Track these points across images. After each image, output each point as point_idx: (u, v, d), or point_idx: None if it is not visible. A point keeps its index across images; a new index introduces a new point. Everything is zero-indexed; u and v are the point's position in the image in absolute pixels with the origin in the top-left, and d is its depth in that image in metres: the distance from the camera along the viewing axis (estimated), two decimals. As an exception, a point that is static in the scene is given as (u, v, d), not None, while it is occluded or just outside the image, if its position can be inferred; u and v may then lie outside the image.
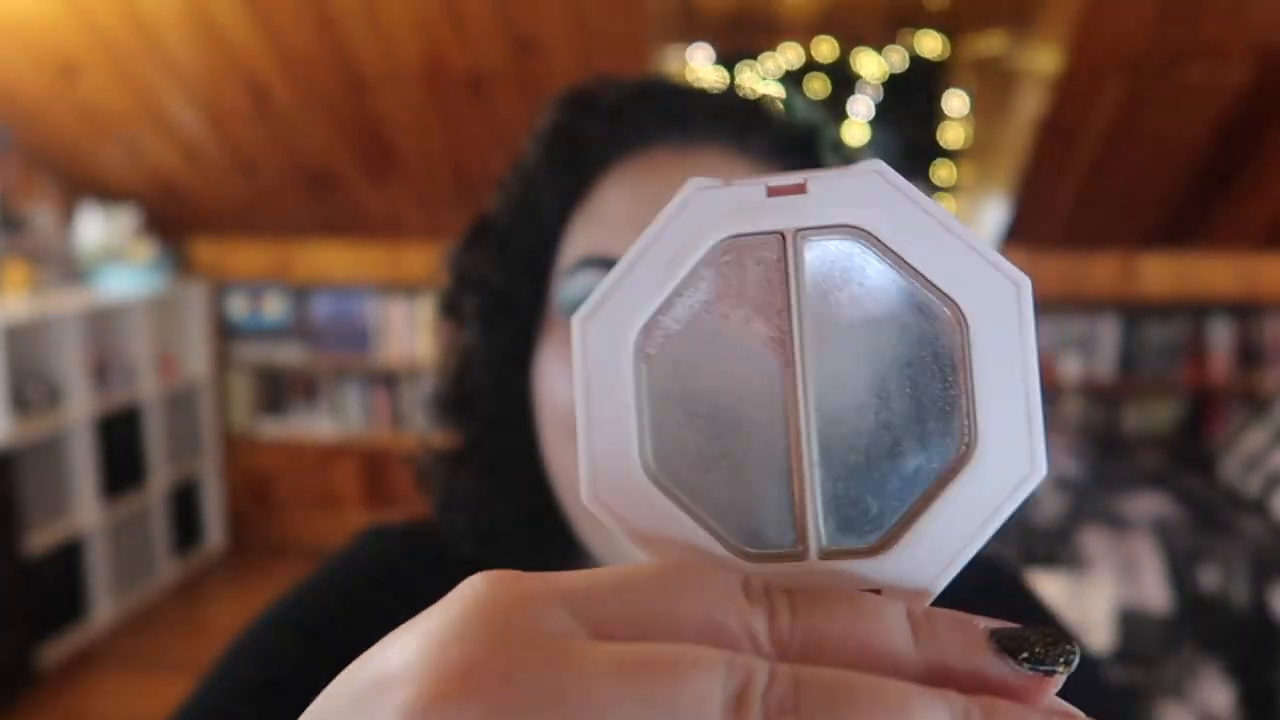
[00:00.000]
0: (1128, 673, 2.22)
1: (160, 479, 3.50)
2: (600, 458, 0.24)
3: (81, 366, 3.12)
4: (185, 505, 3.70)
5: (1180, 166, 3.06)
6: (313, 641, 0.57)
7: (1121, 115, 2.86)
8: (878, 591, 0.23)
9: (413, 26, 2.79)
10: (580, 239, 0.58)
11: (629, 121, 0.59)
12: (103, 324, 3.35)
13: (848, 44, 4.04)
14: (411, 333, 3.75)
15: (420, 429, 0.67)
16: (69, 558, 3.10)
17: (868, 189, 0.24)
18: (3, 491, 2.77)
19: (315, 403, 3.89)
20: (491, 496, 0.62)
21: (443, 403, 0.64)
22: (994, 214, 3.60)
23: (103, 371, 3.29)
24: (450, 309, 0.64)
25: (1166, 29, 2.55)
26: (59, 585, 3.06)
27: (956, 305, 0.23)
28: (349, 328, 3.81)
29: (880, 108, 4.31)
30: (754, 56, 4.09)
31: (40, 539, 2.94)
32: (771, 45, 4.02)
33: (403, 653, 0.20)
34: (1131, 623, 2.23)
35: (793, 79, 4.11)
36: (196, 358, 3.75)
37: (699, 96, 0.62)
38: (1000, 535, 0.24)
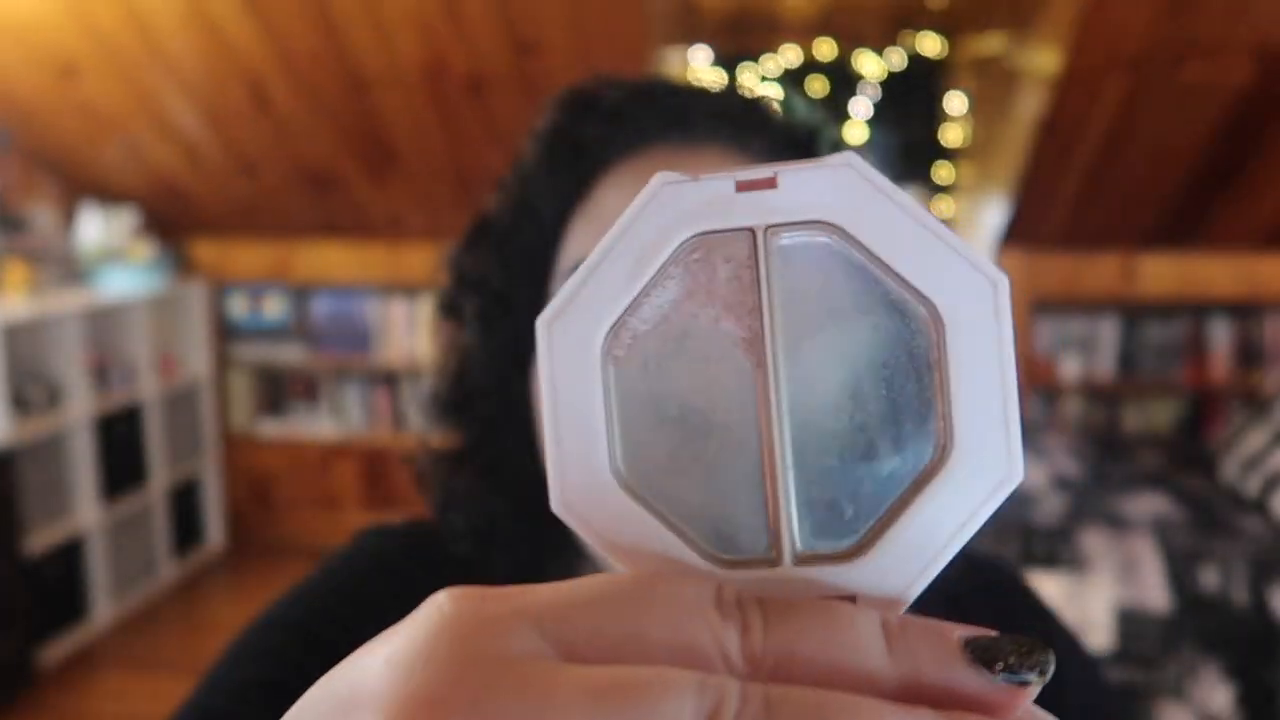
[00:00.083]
0: (1128, 673, 2.22)
1: (160, 479, 3.50)
2: (569, 464, 0.23)
3: (81, 366, 3.12)
4: (185, 505, 3.70)
5: (1180, 166, 3.06)
6: (312, 642, 0.57)
7: (1121, 115, 2.86)
8: (853, 598, 0.23)
9: (413, 28, 2.79)
10: (580, 239, 0.58)
11: (629, 122, 0.59)
12: (103, 324, 3.35)
13: (848, 44, 4.04)
14: (411, 333, 3.76)
15: (420, 429, 0.67)
16: (69, 558, 3.10)
17: (840, 182, 0.23)
18: (3, 491, 2.77)
19: (315, 403, 3.89)
20: (491, 497, 0.62)
21: (442, 403, 0.64)
22: (994, 214, 3.60)
23: (103, 371, 3.29)
24: (450, 309, 0.64)
25: (1166, 29, 2.55)
26: (59, 585, 3.06)
27: (932, 304, 0.23)
28: (349, 328, 3.81)
29: (880, 108, 4.31)
30: (754, 57, 4.09)
31: (40, 539, 2.94)
32: (772, 46, 4.03)
33: (369, 676, 0.20)
34: (1131, 623, 2.23)
35: (793, 79, 4.11)
36: (196, 358, 3.75)
37: (699, 97, 0.62)
38: (981, 537, 0.24)
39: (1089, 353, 3.55)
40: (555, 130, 0.61)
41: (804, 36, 3.94)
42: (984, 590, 0.68)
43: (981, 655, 0.20)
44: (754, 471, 0.23)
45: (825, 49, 4.01)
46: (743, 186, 0.23)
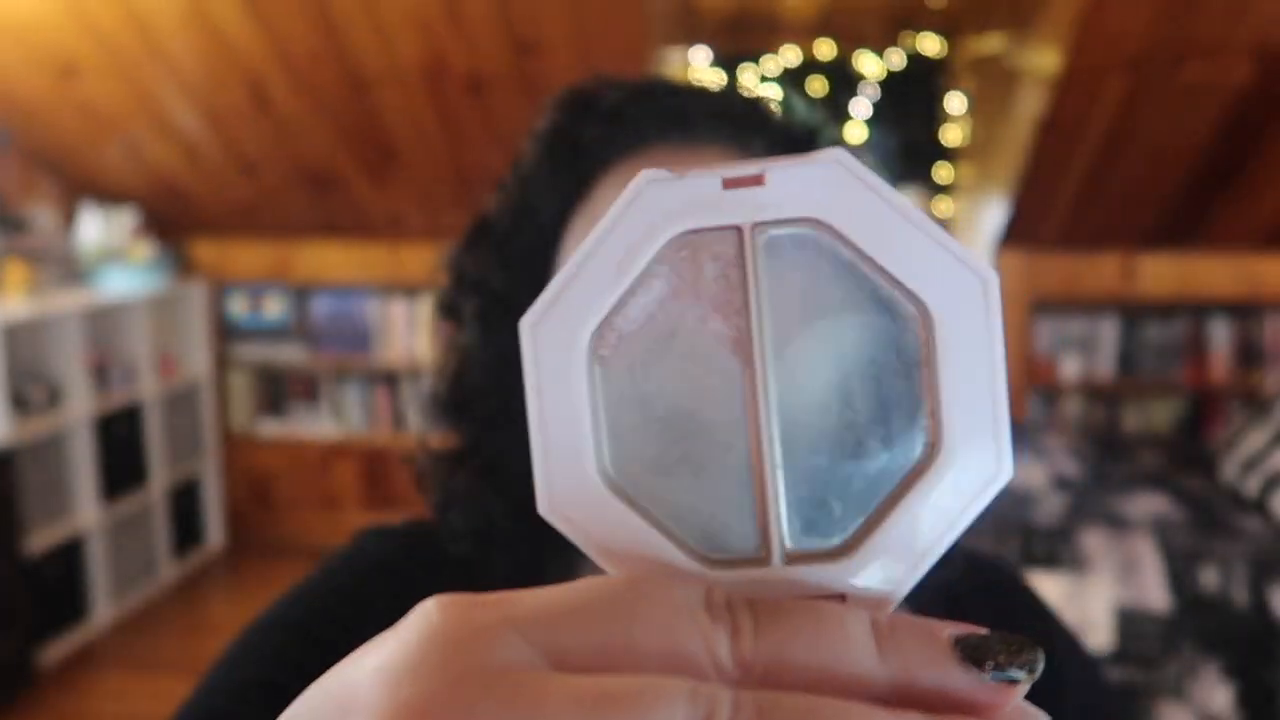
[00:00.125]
0: (1128, 673, 2.22)
1: (160, 479, 3.50)
2: (556, 466, 0.23)
3: (81, 366, 3.12)
4: (185, 505, 3.70)
5: (1180, 166, 3.06)
6: (312, 643, 0.57)
7: (1121, 115, 2.86)
8: (842, 597, 0.22)
9: (413, 27, 2.79)
10: (579, 240, 0.58)
11: (628, 122, 0.59)
12: (103, 324, 3.35)
13: (848, 45, 4.04)
14: (411, 333, 3.76)
15: (419, 430, 0.67)
16: (69, 558, 3.10)
17: (828, 179, 0.23)
18: (3, 491, 2.77)
19: (315, 403, 3.89)
20: (490, 497, 0.62)
21: (441, 403, 0.64)
22: (994, 214, 3.60)
23: (103, 371, 3.29)
24: (449, 310, 0.64)
25: (1166, 29, 2.55)
26: (59, 585, 3.06)
27: (921, 301, 0.23)
28: (349, 328, 3.81)
29: (880, 108, 4.31)
30: (754, 57, 4.09)
31: (40, 539, 2.94)
32: (772, 46, 4.03)
33: (361, 685, 0.20)
34: (1131, 623, 2.23)
35: (793, 80, 4.11)
36: (196, 358, 3.75)
37: (698, 97, 0.62)
38: (977, 536, 0.24)
39: (1089, 353, 3.55)
40: (555, 131, 0.61)
41: (804, 36, 3.94)
42: (984, 590, 0.68)
43: (971, 654, 0.20)
44: (743, 471, 0.23)
45: (825, 49, 4.01)
46: (729, 184, 0.23)
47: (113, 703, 2.88)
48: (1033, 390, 3.60)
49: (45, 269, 3.29)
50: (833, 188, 0.23)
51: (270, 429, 3.92)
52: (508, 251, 0.61)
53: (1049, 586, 2.28)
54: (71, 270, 3.43)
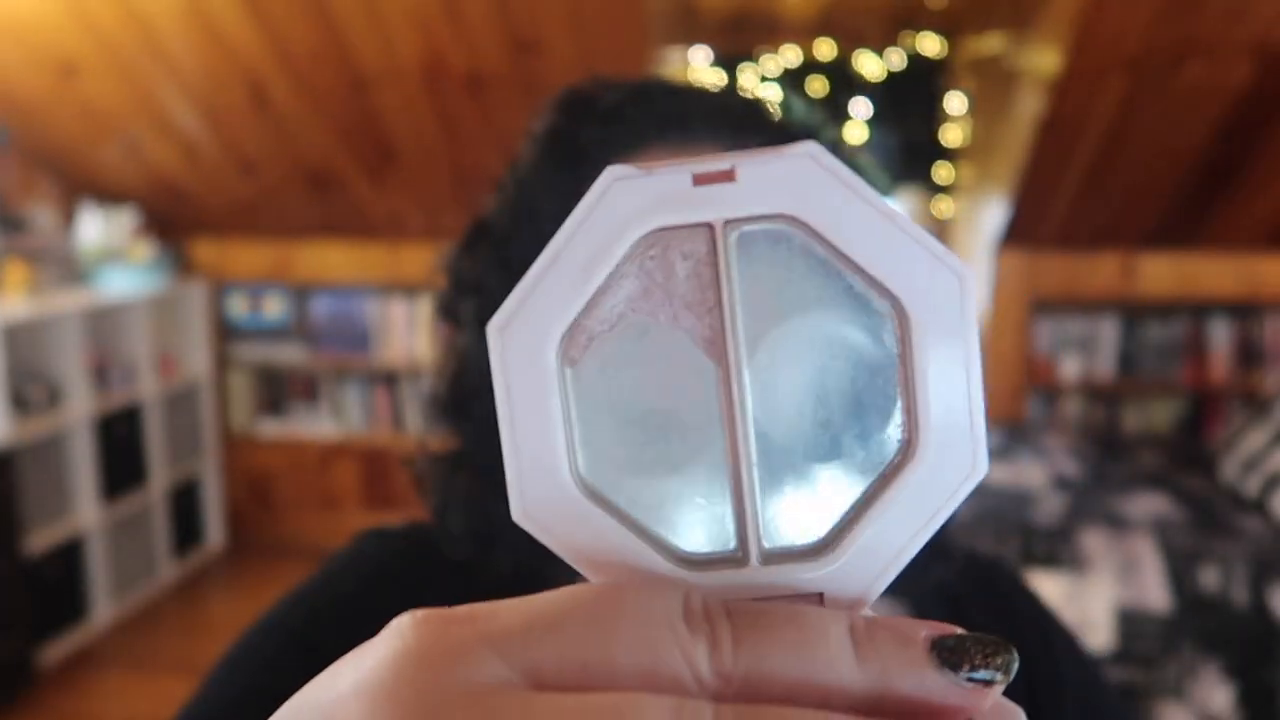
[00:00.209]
0: (1128, 673, 2.22)
1: (160, 479, 3.50)
2: (529, 472, 0.23)
3: (81, 366, 3.12)
4: (185, 505, 3.70)
5: (1180, 166, 3.06)
6: (311, 648, 0.56)
7: (1121, 115, 2.86)
8: (820, 596, 0.22)
9: (413, 27, 2.79)
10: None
11: (627, 123, 0.59)
12: (103, 324, 3.35)
13: (848, 45, 4.04)
14: (411, 333, 3.76)
15: (419, 431, 0.66)
16: (69, 558, 3.10)
17: (801, 174, 0.22)
18: (3, 491, 2.77)
19: (315, 403, 3.89)
20: (489, 499, 0.62)
21: (440, 405, 0.64)
22: (994, 214, 3.60)
23: (103, 371, 3.29)
24: (448, 312, 0.64)
25: (1166, 29, 2.55)
26: (59, 585, 3.06)
27: (896, 298, 0.22)
28: (349, 328, 3.81)
29: (880, 108, 4.31)
30: (754, 57, 4.10)
31: (40, 539, 2.94)
32: (771, 46, 4.03)
33: (335, 708, 0.19)
34: (1131, 623, 2.23)
35: (793, 80, 4.11)
36: (196, 358, 3.75)
37: (697, 98, 0.62)
38: (945, 530, 0.24)
39: (1089, 353, 3.55)
40: (553, 132, 0.61)
41: (804, 36, 3.94)
42: (983, 590, 0.68)
43: (947, 658, 0.20)
44: (719, 471, 0.23)
45: (825, 49, 4.01)
46: (700, 180, 0.22)
47: (113, 703, 2.88)
48: (1033, 390, 3.60)
49: (45, 269, 3.29)
50: (805, 182, 0.22)
51: (270, 429, 3.92)
52: (506, 253, 0.61)
53: (1049, 586, 2.28)
54: (71, 270, 3.43)
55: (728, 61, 4.02)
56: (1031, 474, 2.81)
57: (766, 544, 0.23)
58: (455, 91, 3.01)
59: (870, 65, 4.16)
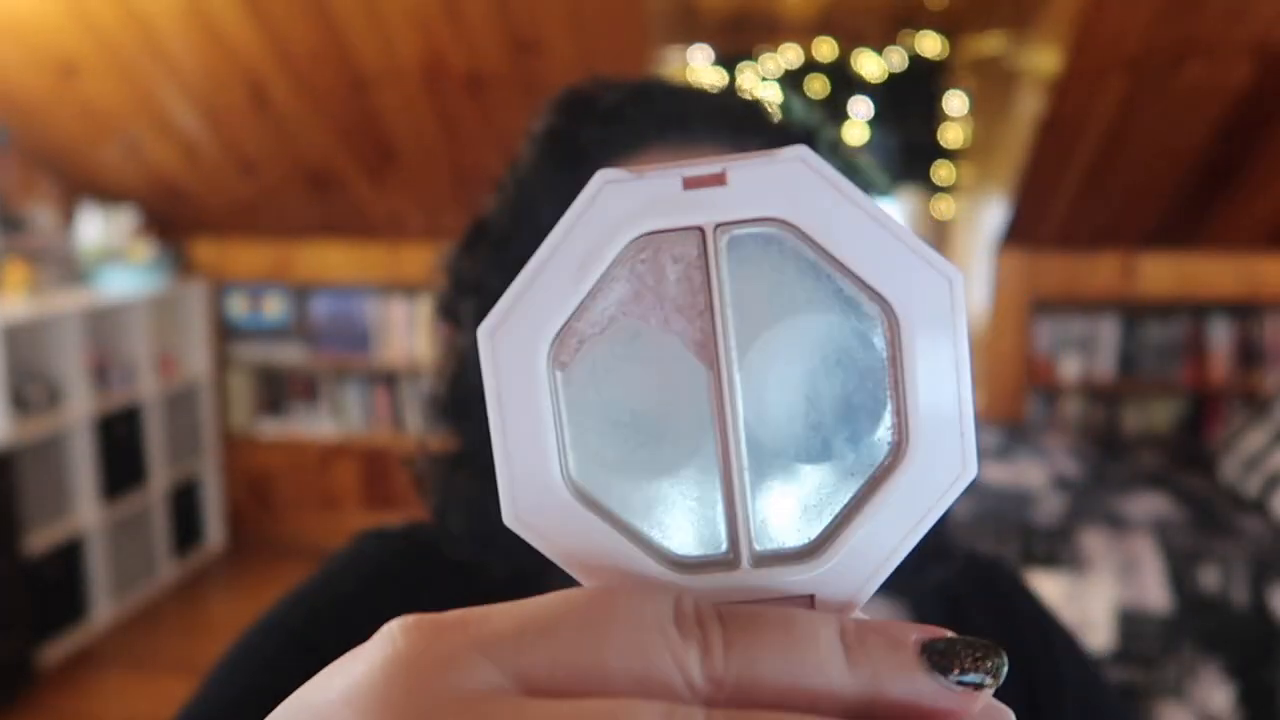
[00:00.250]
0: (1128, 673, 2.22)
1: (160, 479, 3.50)
2: (520, 476, 0.23)
3: (81, 366, 3.12)
4: (185, 505, 3.70)
5: (1180, 166, 3.06)
6: (310, 649, 0.56)
7: (1121, 115, 2.86)
8: (811, 598, 0.23)
9: (413, 27, 2.79)
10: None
11: (626, 123, 0.59)
12: (103, 324, 3.35)
13: (848, 44, 4.04)
14: (411, 333, 3.76)
15: (420, 431, 0.66)
16: (69, 558, 3.10)
17: (791, 178, 0.22)
18: (3, 491, 2.77)
19: (315, 403, 3.89)
20: (489, 500, 0.61)
21: (440, 405, 0.64)
22: (994, 214, 3.60)
23: (103, 371, 3.29)
24: (447, 312, 0.64)
25: (1166, 29, 2.55)
26: (59, 585, 3.06)
27: (886, 301, 0.22)
28: (349, 328, 3.81)
29: (880, 108, 4.31)
30: (754, 57, 4.09)
31: (40, 539, 2.94)
32: (771, 46, 4.03)
33: (327, 715, 0.19)
34: (1131, 623, 2.23)
35: (793, 79, 4.11)
36: (196, 358, 3.75)
37: (697, 98, 0.62)
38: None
39: (1089, 353, 3.55)
40: (552, 132, 0.61)
41: (804, 36, 3.94)
42: (983, 590, 0.68)
43: (938, 661, 0.20)
44: (710, 473, 0.23)
45: (825, 49, 4.02)
46: (690, 183, 0.22)
47: (113, 703, 2.88)
48: (1033, 390, 3.60)
49: (45, 269, 3.29)
50: (796, 186, 0.22)
51: (270, 429, 3.92)
52: (505, 253, 0.61)
53: (1049, 586, 2.28)
54: (71, 270, 3.43)
55: (728, 61, 4.02)
56: (1031, 474, 2.81)
57: (758, 546, 0.23)
58: (455, 91, 3.01)
59: (870, 65, 4.16)
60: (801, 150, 0.22)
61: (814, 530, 0.23)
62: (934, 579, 0.63)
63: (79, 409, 3.10)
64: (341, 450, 3.87)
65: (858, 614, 0.23)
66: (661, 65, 3.40)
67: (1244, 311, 3.46)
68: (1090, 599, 2.26)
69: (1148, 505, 2.59)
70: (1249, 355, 3.47)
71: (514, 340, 0.23)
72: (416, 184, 3.45)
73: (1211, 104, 2.80)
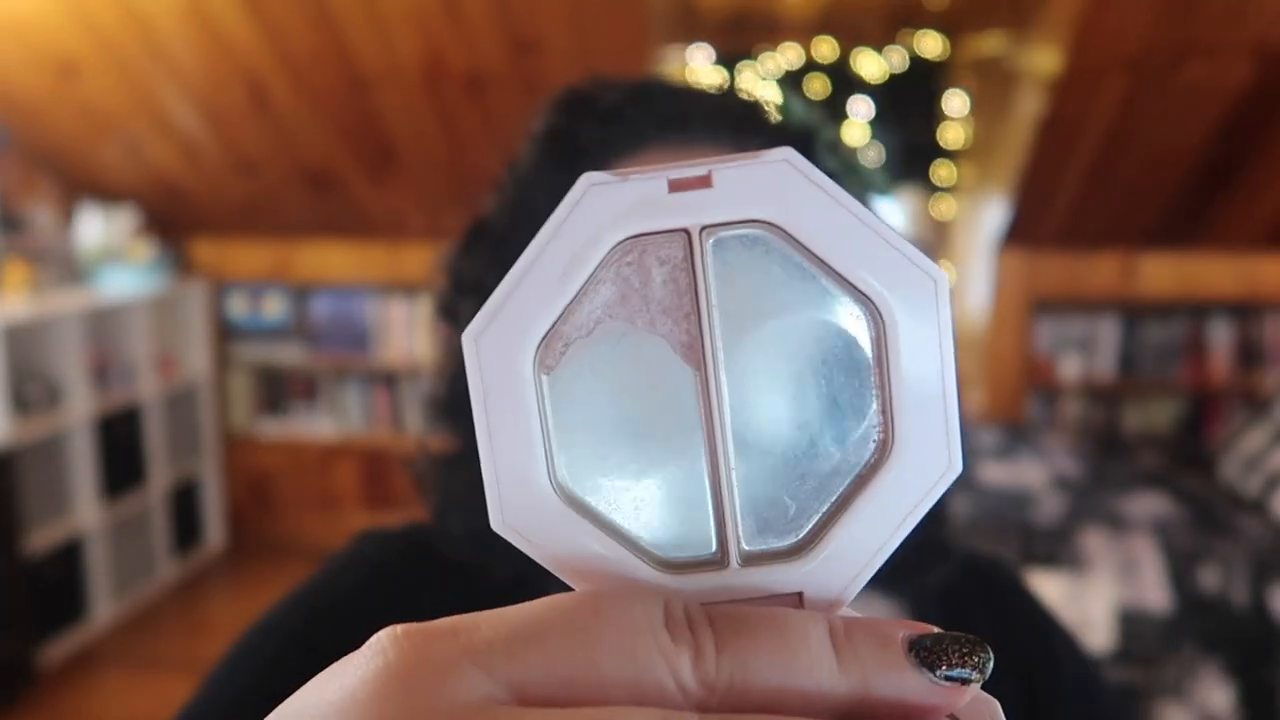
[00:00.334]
0: (1128, 673, 2.22)
1: (160, 479, 3.50)
2: (507, 480, 0.23)
3: (81, 366, 3.12)
4: (185, 505, 3.70)
5: (1180, 166, 3.06)
6: (310, 648, 0.56)
7: (1121, 115, 2.86)
8: (800, 596, 0.23)
9: (413, 26, 2.79)
10: None
11: (626, 123, 0.59)
12: (103, 324, 3.35)
13: (848, 44, 4.04)
14: (411, 333, 3.75)
15: (420, 432, 0.66)
16: (69, 558, 3.10)
17: (777, 179, 0.22)
18: (3, 491, 2.77)
19: (315, 403, 3.89)
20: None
21: (440, 405, 0.64)
22: (994, 214, 3.60)
23: (103, 371, 3.29)
24: (447, 312, 0.64)
25: (1166, 29, 2.55)
26: (59, 585, 3.06)
27: (872, 302, 0.23)
28: (349, 328, 3.81)
29: (880, 108, 4.31)
30: (754, 57, 4.09)
31: (40, 539, 2.94)
32: (772, 45, 4.03)
33: None
34: (1131, 623, 2.23)
35: (793, 79, 4.11)
36: (196, 358, 3.75)
37: (696, 98, 0.62)
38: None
39: (1089, 353, 3.55)
40: (552, 132, 0.61)
41: (804, 36, 3.94)
42: (983, 590, 0.68)
43: (925, 658, 0.21)
44: (698, 475, 0.23)
45: (825, 48, 4.01)
46: (676, 186, 0.22)
47: (113, 703, 2.88)
48: (1033, 390, 3.60)
49: (45, 269, 3.29)
50: (781, 188, 0.22)
51: (270, 429, 3.92)
52: (505, 253, 0.61)
53: (1049, 586, 2.28)
54: (71, 270, 3.43)
55: (728, 61, 4.02)
56: (1031, 474, 2.81)
57: (746, 546, 0.23)
58: (455, 91, 3.01)
59: (870, 65, 4.16)
60: (787, 152, 0.22)
61: (802, 529, 0.23)
62: (933, 579, 0.63)
63: (79, 409, 3.10)
64: (341, 450, 3.87)
65: (846, 610, 0.23)
66: (661, 65, 3.40)
67: (1244, 311, 3.46)
68: (1090, 599, 2.26)
69: (1148, 505, 2.59)
70: (1249, 355, 3.47)
71: (499, 345, 0.23)
72: (416, 184, 3.45)
73: (1211, 104, 2.80)
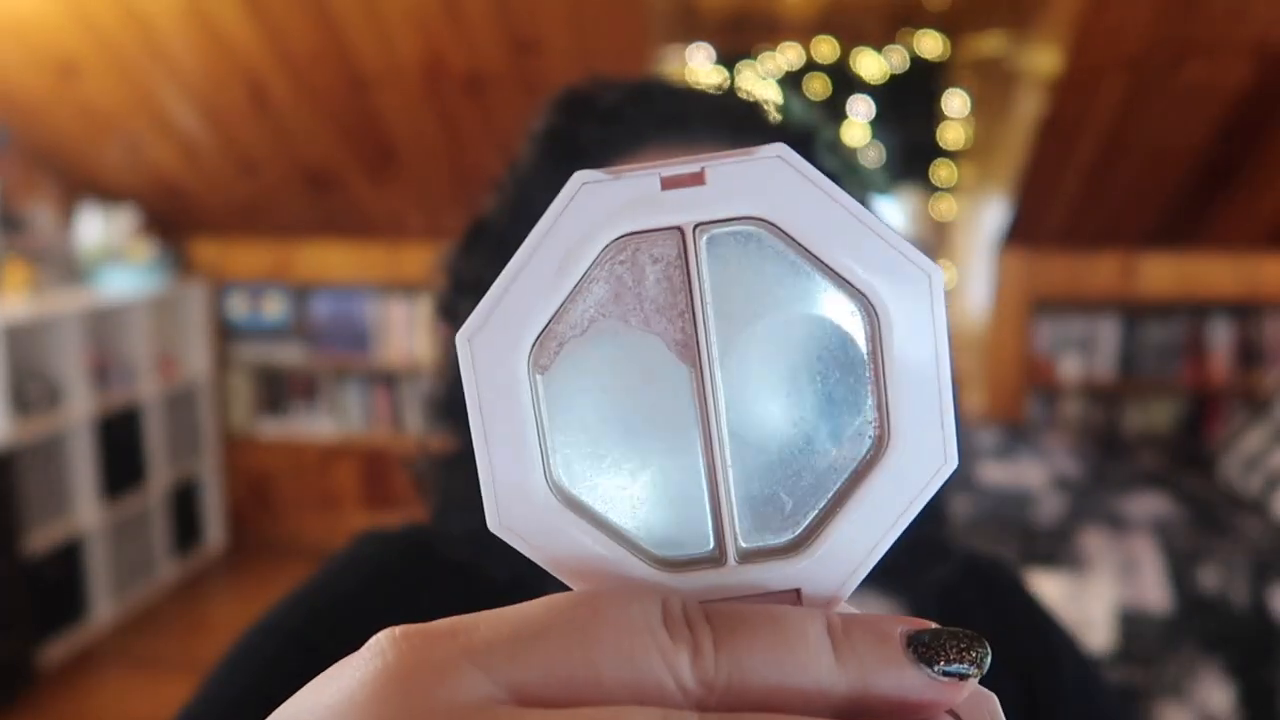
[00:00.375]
0: (1128, 673, 2.22)
1: (160, 479, 3.50)
2: (504, 481, 0.23)
3: (81, 366, 3.12)
4: (185, 505, 3.70)
5: (1180, 166, 3.06)
6: (310, 649, 0.56)
7: (1121, 115, 2.86)
8: (797, 593, 0.23)
9: (412, 26, 2.79)
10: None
11: (626, 123, 0.59)
12: (103, 324, 3.35)
13: (848, 44, 4.04)
14: (411, 333, 3.75)
15: (420, 432, 0.66)
16: (69, 558, 3.10)
17: (770, 175, 0.22)
18: (3, 491, 2.77)
19: (315, 403, 3.89)
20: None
21: (440, 405, 0.64)
22: (994, 214, 3.60)
23: (103, 371, 3.29)
24: (447, 312, 0.64)
25: (1166, 29, 2.55)
26: (59, 585, 3.06)
27: (866, 297, 0.23)
28: (349, 328, 3.81)
29: (880, 108, 4.31)
30: (754, 57, 4.09)
31: (40, 539, 2.94)
32: (772, 45, 4.03)
33: None
34: (1131, 623, 2.23)
35: (793, 79, 4.11)
36: (196, 358, 3.75)
37: (696, 98, 0.62)
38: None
39: (1089, 353, 3.55)
40: (552, 131, 0.61)
41: (804, 36, 3.94)
42: (983, 590, 0.68)
43: (923, 653, 0.21)
44: (694, 472, 0.23)
45: (825, 48, 4.01)
46: (668, 183, 0.22)
47: (113, 703, 2.88)
48: (1033, 390, 3.60)
49: (45, 269, 3.29)
50: (774, 184, 0.22)
51: (270, 429, 3.92)
52: (504, 253, 0.61)
53: (1049, 586, 2.28)
54: (71, 270, 3.43)
55: (728, 61, 4.02)
56: (1031, 474, 2.81)
57: (743, 543, 0.23)
58: (455, 91, 3.01)
59: (870, 65, 4.16)
60: (779, 148, 0.22)
61: (798, 525, 0.23)
62: (934, 579, 0.63)
63: (79, 409, 3.10)
64: (341, 450, 3.87)
65: (843, 607, 0.23)
66: (661, 64, 3.40)
67: (1244, 311, 3.46)
68: (1090, 599, 2.26)
69: (1148, 505, 2.59)
70: (1249, 355, 3.47)
71: (493, 345, 0.23)
72: (416, 184, 3.45)
73: (1211, 104, 2.80)
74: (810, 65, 4.12)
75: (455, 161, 3.29)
